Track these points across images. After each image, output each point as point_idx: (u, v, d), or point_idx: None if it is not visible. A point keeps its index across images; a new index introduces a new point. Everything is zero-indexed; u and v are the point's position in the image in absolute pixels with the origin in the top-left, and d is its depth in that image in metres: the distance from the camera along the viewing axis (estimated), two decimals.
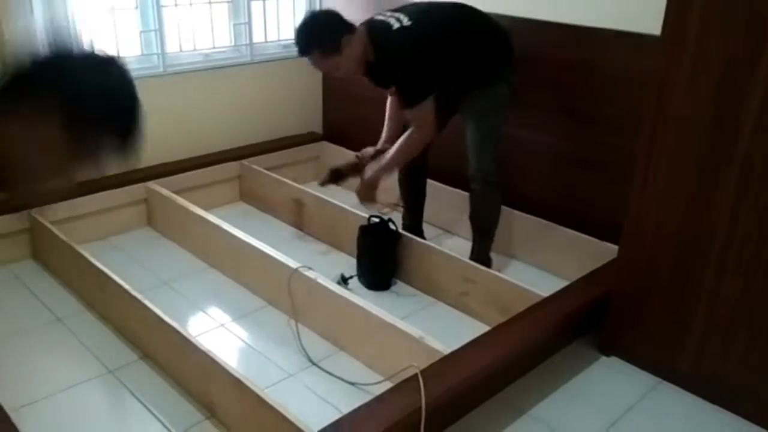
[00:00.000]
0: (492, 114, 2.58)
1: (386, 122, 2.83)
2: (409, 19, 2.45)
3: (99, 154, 1.07)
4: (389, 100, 2.80)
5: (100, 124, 1.07)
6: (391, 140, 2.73)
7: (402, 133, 2.62)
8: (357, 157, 2.81)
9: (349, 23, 2.48)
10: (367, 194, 2.68)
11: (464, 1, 2.61)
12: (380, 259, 2.74)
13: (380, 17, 2.52)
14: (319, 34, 2.45)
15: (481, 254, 2.74)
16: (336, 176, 2.79)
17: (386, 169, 2.63)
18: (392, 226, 2.73)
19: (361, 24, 2.52)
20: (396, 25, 2.44)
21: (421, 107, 2.46)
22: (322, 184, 2.83)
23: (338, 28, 2.45)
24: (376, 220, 2.74)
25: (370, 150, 2.82)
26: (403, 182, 2.96)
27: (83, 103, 1.05)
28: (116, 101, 1.10)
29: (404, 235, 2.76)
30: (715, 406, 2.09)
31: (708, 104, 1.89)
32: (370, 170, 2.71)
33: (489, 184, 2.62)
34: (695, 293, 2.07)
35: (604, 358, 2.32)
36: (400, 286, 2.73)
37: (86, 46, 1.11)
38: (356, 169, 2.77)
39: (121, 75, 1.11)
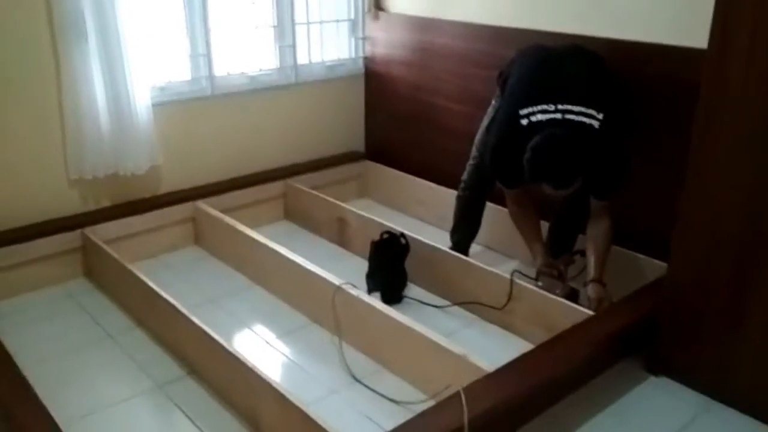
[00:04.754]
0: None
1: (537, 236, 2.59)
2: (594, 107, 2.28)
3: None
4: (520, 212, 2.57)
5: None
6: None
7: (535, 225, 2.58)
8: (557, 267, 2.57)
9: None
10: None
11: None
12: (394, 273, 2.76)
13: (558, 115, 2.28)
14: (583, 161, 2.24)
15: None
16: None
17: (606, 264, 2.46)
18: (402, 241, 2.75)
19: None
20: (596, 124, 2.27)
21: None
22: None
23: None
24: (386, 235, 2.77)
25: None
26: (466, 204, 2.90)
27: None
28: None
29: (445, 252, 2.76)
30: None
31: (762, 107, 1.84)
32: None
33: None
34: (751, 309, 2.00)
35: (652, 378, 2.26)
36: (443, 302, 2.73)
37: None
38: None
39: None
